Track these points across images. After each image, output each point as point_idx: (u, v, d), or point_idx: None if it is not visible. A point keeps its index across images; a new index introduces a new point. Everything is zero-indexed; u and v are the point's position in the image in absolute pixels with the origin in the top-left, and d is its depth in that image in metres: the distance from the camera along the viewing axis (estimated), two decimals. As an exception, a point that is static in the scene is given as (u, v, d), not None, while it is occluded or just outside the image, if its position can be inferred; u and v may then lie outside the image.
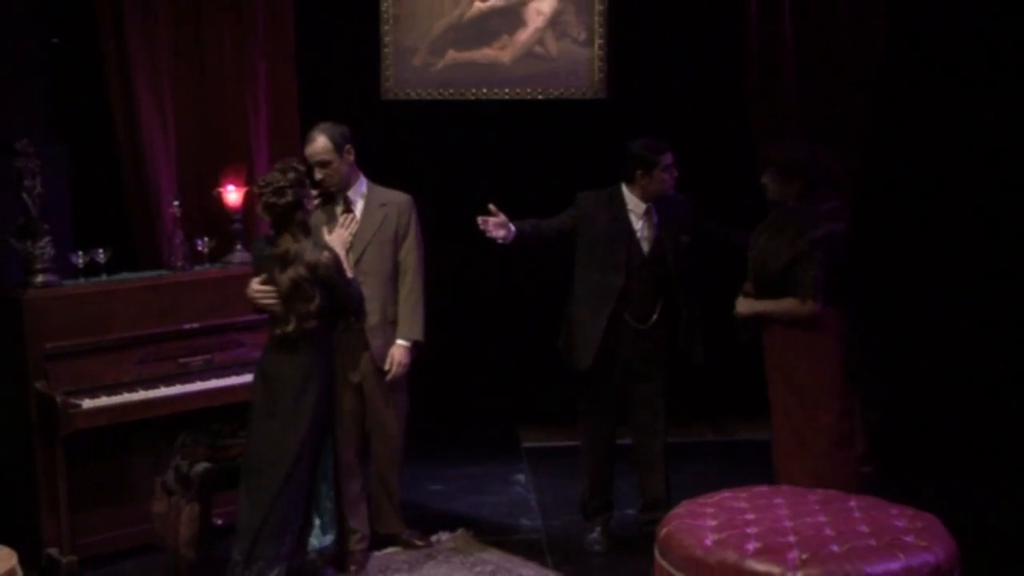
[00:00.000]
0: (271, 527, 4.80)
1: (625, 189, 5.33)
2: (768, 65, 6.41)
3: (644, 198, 5.30)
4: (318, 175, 5.16)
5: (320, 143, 5.16)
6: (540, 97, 7.13)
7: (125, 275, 5.62)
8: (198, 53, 6.21)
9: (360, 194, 5.28)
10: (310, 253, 4.80)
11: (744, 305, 5.07)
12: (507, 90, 7.12)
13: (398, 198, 5.32)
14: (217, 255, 5.87)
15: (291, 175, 4.83)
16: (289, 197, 4.80)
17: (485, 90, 7.11)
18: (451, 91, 7.11)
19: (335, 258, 4.87)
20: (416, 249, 5.31)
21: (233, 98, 6.26)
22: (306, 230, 4.87)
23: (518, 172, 7.05)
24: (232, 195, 5.93)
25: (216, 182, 5.99)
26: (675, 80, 7.04)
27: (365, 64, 7.01)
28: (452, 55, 7.07)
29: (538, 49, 7.09)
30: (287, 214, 4.82)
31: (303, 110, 6.37)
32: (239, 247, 5.89)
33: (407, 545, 5.46)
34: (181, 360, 5.48)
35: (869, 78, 6.34)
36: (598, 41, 7.07)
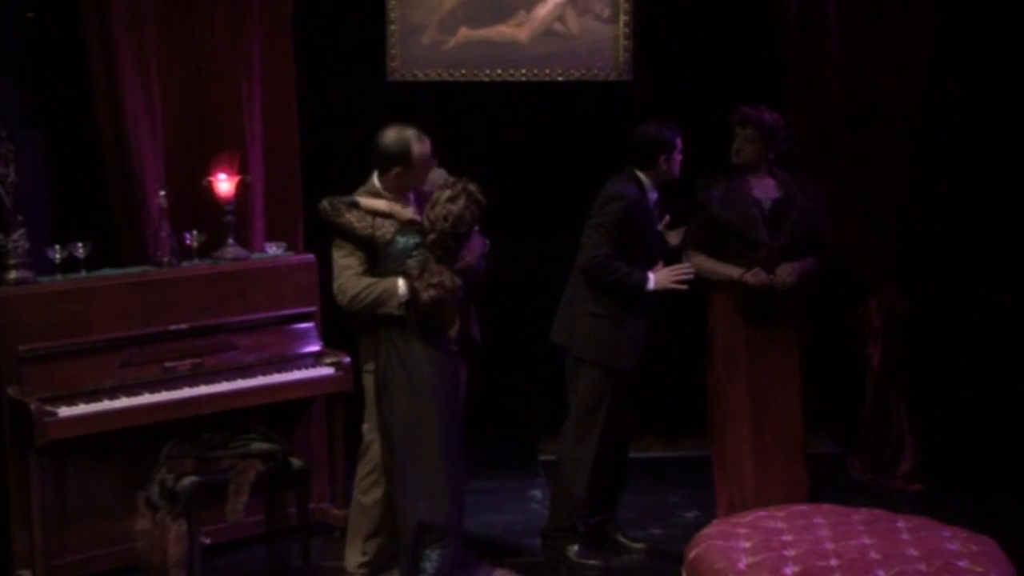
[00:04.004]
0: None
1: (641, 175, 5.38)
2: (810, 45, 6.28)
3: (658, 183, 5.39)
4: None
5: None
6: (560, 79, 7.00)
7: (107, 271, 5.57)
8: (188, 30, 6.11)
9: None
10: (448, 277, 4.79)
11: (792, 271, 5.18)
12: (524, 71, 7.00)
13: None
14: (207, 250, 5.78)
15: (474, 210, 4.78)
16: (466, 229, 4.79)
17: (500, 71, 6.99)
18: (463, 72, 6.99)
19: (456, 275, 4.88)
20: None
21: (226, 79, 6.13)
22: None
23: (535, 160, 6.95)
24: (224, 184, 5.79)
25: (206, 170, 5.84)
26: (706, 60, 6.91)
27: (369, 43, 6.88)
28: (464, 33, 6.96)
29: (558, 26, 6.97)
30: (454, 244, 4.79)
31: (301, 93, 6.28)
32: (231, 241, 5.81)
33: None
34: (167, 364, 5.42)
35: (918, 55, 6.24)
36: (623, 18, 6.96)
